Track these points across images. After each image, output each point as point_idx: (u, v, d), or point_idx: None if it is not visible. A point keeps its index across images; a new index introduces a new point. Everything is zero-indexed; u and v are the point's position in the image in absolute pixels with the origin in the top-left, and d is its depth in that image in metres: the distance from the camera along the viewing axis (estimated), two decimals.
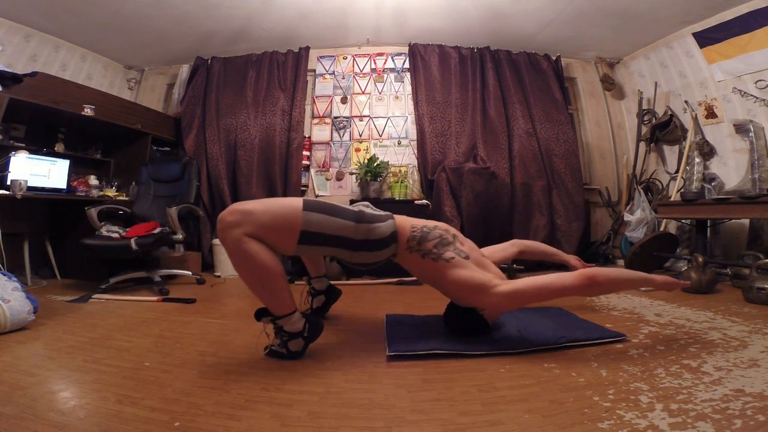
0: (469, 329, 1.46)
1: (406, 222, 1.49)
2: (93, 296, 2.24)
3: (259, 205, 1.23)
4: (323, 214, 1.28)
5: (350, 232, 1.32)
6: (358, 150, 3.85)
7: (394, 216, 1.49)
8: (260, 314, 1.30)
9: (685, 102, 3.48)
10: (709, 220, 2.87)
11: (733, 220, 2.87)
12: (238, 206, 1.21)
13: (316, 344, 1.47)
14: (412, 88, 3.82)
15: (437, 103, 3.73)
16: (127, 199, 3.21)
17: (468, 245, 1.54)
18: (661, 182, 3.72)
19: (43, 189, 2.75)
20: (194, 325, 1.74)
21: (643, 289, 2.40)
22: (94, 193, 3.10)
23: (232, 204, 1.24)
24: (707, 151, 3.25)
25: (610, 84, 4.02)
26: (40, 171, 2.78)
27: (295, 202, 1.27)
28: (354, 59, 4.00)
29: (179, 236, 2.53)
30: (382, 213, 1.47)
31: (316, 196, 3.80)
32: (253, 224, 1.18)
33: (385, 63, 3.99)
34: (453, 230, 1.54)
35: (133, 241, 2.31)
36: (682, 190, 3.08)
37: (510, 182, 3.51)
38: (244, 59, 3.91)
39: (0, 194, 2.32)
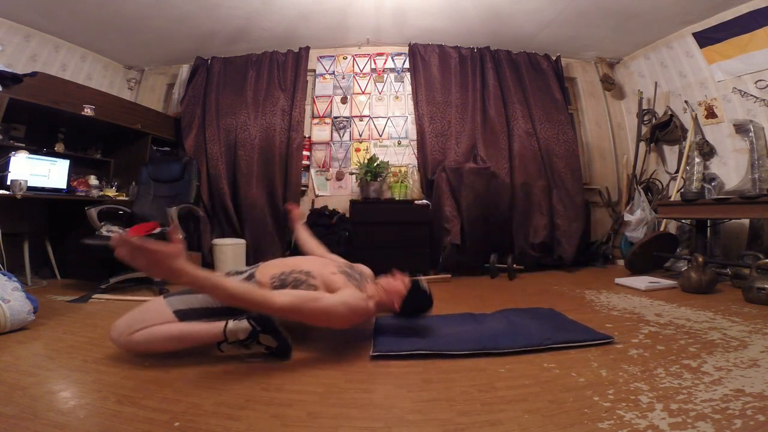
0: (417, 308, 1.55)
1: (266, 274, 1.48)
2: (93, 296, 2.24)
3: (123, 319, 1.33)
4: (185, 294, 1.37)
5: (214, 302, 1.34)
6: (358, 150, 3.85)
7: (258, 268, 1.52)
8: (218, 345, 1.30)
9: (685, 102, 3.48)
10: (709, 220, 2.87)
11: (733, 220, 2.87)
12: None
13: (316, 344, 1.47)
14: (412, 88, 3.82)
15: (437, 103, 3.73)
16: (127, 199, 3.21)
17: (325, 270, 1.50)
18: (661, 182, 3.72)
19: (43, 189, 2.74)
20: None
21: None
22: (94, 193, 3.10)
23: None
24: (707, 151, 3.25)
25: (610, 84, 4.02)
26: (40, 171, 2.78)
27: (157, 301, 1.37)
28: (354, 59, 4.00)
29: (179, 236, 2.53)
30: (246, 270, 1.53)
31: (316, 196, 3.80)
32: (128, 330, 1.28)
33: (385, 63, 3.99)
34: (306, 265, 1.50)
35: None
36: (682, 190, 3.08)
37: (510, 182, 3.51)
38: (244, 59, 3.91)
39: (0, 194, 2.32)
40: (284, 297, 1.24)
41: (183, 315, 1.32)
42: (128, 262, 1.01)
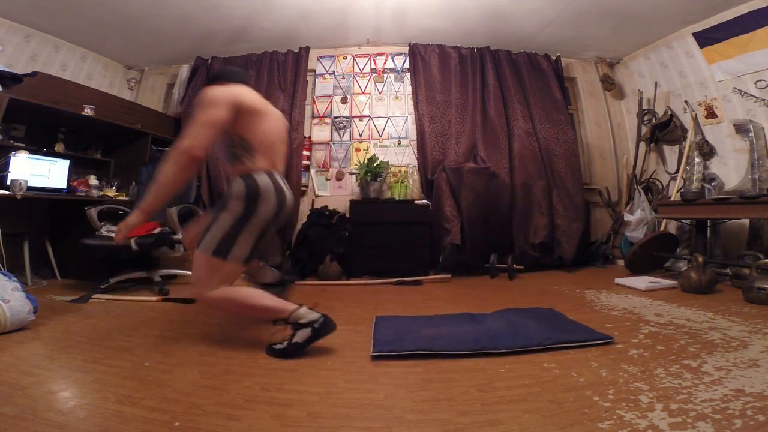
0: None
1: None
2: (93, 296, 2.24)
3: (193, 272, 1.44)
4: (209, 232, 1.42)
5: (234, 208, 1.40)
6: (358, 150, 3.85)
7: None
8: (275, 321, 1.40)
9: (685, 102, 3.48)
10: (709, 220, 2.87)
11: (733, 220, 2.87)
12: (192, 283, 1.44)
13: (316, 344, 1.47)
14: (412, 88, 3.82)
15: (437, 103, 3.73)
16: (127, 199, 3.20)
17: None
18: (661, 182, 3.72)
19: (43, 189, 2.74)
20: (194, 325, 1.74)
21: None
22: (94, 193, 3.10)
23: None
24: (707, 151, 3.25)
25: (610, 84, 4.02)
26: (40, 171, 2.78)
27: (196, 255, 1.44)
28: (354, 59, 4.00)
29: (179, 236, 2.53)
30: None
31: (316, 196, 3.80)
32: (203, 287, 1.40)
33: (385, 63, 3.99)
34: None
35: (133, 241, 2.31)
36: (682, 190, 3.08)
37: (510, 182, 3.51)
38: (244, 59, 3.91)
39: (0, 194, 2.32)
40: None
41: (222, 250, 1.37)
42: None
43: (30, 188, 2.53)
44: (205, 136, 1.31)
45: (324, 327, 1.37)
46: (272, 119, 1.55)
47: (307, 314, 1.38)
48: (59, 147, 3.09)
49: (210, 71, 1.46)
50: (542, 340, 1.40)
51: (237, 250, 1.38)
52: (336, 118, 3.91)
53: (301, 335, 1.36)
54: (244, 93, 1.45)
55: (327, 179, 3.85)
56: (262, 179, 1.42)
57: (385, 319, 1.76)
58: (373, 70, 3.97)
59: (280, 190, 1.46)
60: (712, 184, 3.12)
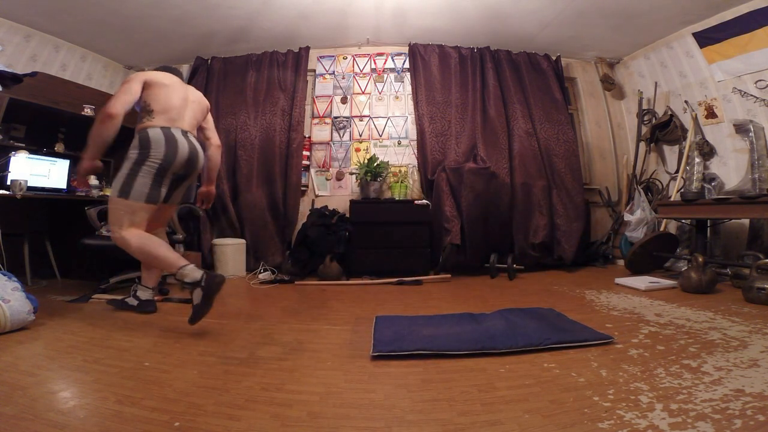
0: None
1: None
2: (93, 296, 2.24)
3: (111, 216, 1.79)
4: (117, 176, 1.78)
5: (130, 155, 1.78)
6: (358, 150, 3.85)
7: None
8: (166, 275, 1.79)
9: (685, 102, 3.48)
10: (709, 220, 2.87)
11: (733, 220, 2.87)
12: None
13: (316, 344, 1.47)
14: (412, 88, 3.82)
15: (437, 103, 3.73)
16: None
17: None
18: (661, 182, 3.72)
19: (43, 189, 2.74)
20: (194, 325, 1.74)
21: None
22: (94, 193, 3.09)
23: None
24: (707, 151, 3.26)
25: (610, 84, 4.02)
26: (40, 171, 2.78)
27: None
28: (354, 59, 4.00)
29: (179, 236, 2.53)
30: None
31: (316, 196, 3.80)
32: (114, 224, 1.74)
33: (385, 63, 3.99)
34: None
35: None
36: (682, 190, 3.08)
37: (510, 182, 3.51)
38: (244, 59, 3.91)
39: (0, 194, 2.32)
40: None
41: (124, 191, 1.69)
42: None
43: (30, 188, 2.53)
44: (120, 101, 1.69)
45: (212, 283, 1.55)
46: (178, 88, 1.88)
47: (191, 272, 1.57)
48: (59, 147, 3.08)
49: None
50: (542, 340, 1.40)
51: (136, 190, 1.68)
52: (336, 118, 3.91)
53: (196, 296, 1.54)
54: (155, 73, 1.85)
55: (327, 179, 3.85)
56: (154, 131, 1.73)
57: (385, 319, 1.75)
58: (373, 70, 3.97)
59: (172, 139, 1.75)
60: (712, 184, 3.12)
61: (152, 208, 1.75)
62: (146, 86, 1.78)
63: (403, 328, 1.59)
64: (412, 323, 1.67)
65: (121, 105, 1.68)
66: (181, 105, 1.86)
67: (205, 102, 2.04)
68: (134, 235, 1.68)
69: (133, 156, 1.71)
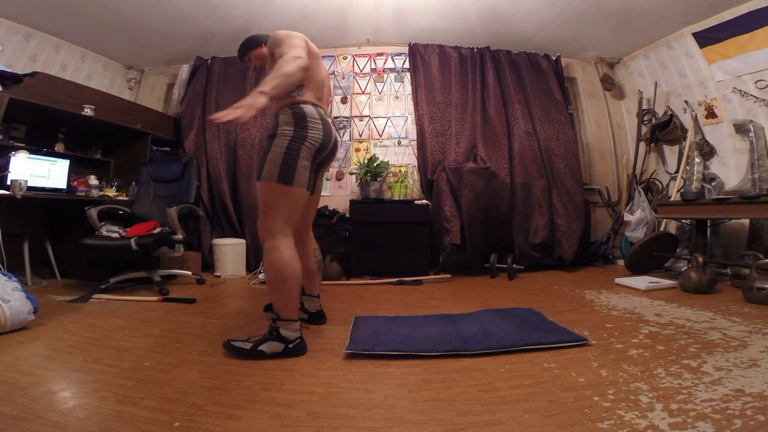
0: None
1: None
2: (93, 296, 2.24)
3: (259, 216, 1.42)
4: (266, 163, 1.40)
5: (287, 133, 1.41)
6: (358, 150, 3.85)
7: None
8: (268, 308, 1.42)
9: (685, 102, 3.48)
10: (709, 220, 2.87)
11: (733, 220, 2.87)
12: (258, 224, 1.42)
13: (316, 344, 1.48)
14: (412, 88, 3.82)
15: (437, 103, 3.73)
16: (127, 199, 3.20)
17: None
18: (661, 182, 3.72)
19: (43, 189, 2.74)
20: (194, 325, 1.74)
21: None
22: (94, 193, 3.10)
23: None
24: (707, 151, 3.25)
25: (610, 84, 4.02)
26: (40, 171, 2.78)
27: (259, 187, 1.43)
28: (354, 59, 4.00)
29: (179, 236, 2.53)
30: None
31: None
32: (271, 223, 1.37)
33: (385, 63, 3.99)
34: None
35: (133, 241, 2.31)
36: (682, 190, 3.08)
37: (510, 182, 3.51)
38: None
39: (0, 194, 2.32)
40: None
41: (285, 177, 1.36)
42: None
43: (30, 188, 2.53)
44: (301, 58, 1.35)
45: (296, 349, 1.37)
46: (322, 64, 1.62)
47: (294, 330, 1.38)
48: (59, 147, 3.09)
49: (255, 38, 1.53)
50: (515, 341, 1.40)
51: (300, 174, 1.37)
52: (336, 118, 3.91)
53: (271, 347, 1.34)
54: (308, 40, 1.53)
55: (327, 179, 3.84)
56: (308, 108, 1.44)
57: (364, 319, 1.78)
58: (373, 70, 3.97)
59: (326, 121, 1.49)
60: (712, 184, 3.12)
61: (307, 198, 1.48)
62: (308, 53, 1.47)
63: (381, 328, 1.60)
64: (391, 323, 1.68)
65: (303, 62, 1.36)
66: (326, 83, 1.63)
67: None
68: (283, 256, 1.34)
69: (288, 133, 1.38)
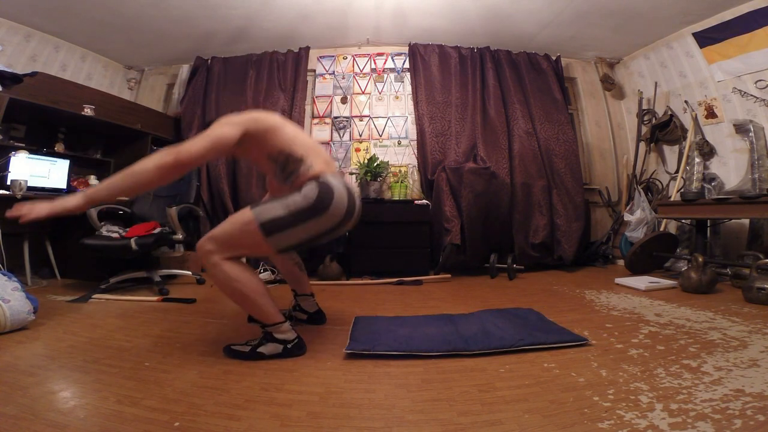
0: None
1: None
2: (93, 296, 2.24)
3: (218, 227, 1.32)
4: (269, 203, 1.32)
5: (300, 202, 1.29)
6: (358, 150, 3.85)
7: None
8: (251, 319, 1.37)
9: (685, 102, 3.48)
10: (709, 220, 2.87)
11: (733, 220, 2.87)
12: (208, 235, 1.30)
13: (316, 344, 1.47)
14: (412, 88, 3.82)
15: (437, 103, 3.73)
16: (127, 199, 3.20)
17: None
18: (661, 182, 3.72)
19: (43, 189, 2.74)
20: (194, 325, 1.74)
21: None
22: None
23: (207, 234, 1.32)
24: (707, 151, 3.26)
25: (610, 84, 4.02)
26: (40, 171, 2.78)
27: (243, 211, 1.32)
28: (354, 59, 4.00)
29: (179, 236, 2.53)
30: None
31: None
32: (221, 246, 1.28)
33: (385, 63, 3.99)
34: None
35: (133, 241, 2.31)
36: (682, 190, 3.08)
37: (510, 182, 3.51)
38: (244, 59, 3.91)
39: (0, 194, 2.32)
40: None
41: (268, 228, 1.26)
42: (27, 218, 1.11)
43: (30, 188, 2.53)
44: (203, 148, 1.20)
45: (295, 349, 1.36)
46: (295, 127, 1.48)
47: (286, 331, 1.36)
48: (59, 147, 3.09)
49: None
50: (515, 342, 1.40)
51: (282, 237, 1.28)
52: (336, 118, 3.91)
53: (270, 349, 1.34)
54: (261, 114, 1.39)
55: None
56: (335, 181, 1.33)
57: (364, 319, 1.77)
58: (373, 70, 3.97)
59: (351, 194, 1.37)
60: (712, 184, 3.12)
61: (269, 253, 1.37)
62: (265, 131, 1.34)
63: (381, 328, 1.60)
64: (391, 323, 1.68)
65: (201, 156, 1.21)
66: (314, 141, 1.50)
67: None
68: (234, 270, 1.28)
69: (306, 202, 1.27)
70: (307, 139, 1.45)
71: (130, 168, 1.21)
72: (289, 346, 1.35)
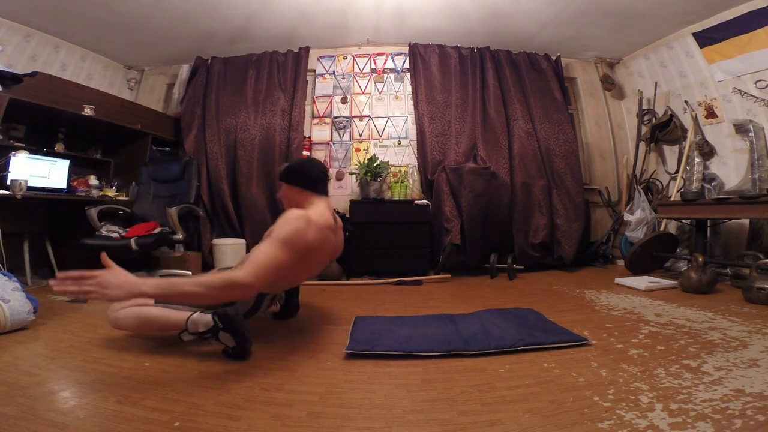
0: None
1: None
2: None
3: None
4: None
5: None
6: (358, 150, 3.85)
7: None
8: (179, 334, 1.37)
9: (685, 102, 3.48)
10: (709, 220, 2.87)
11: (733, 220, 2.87)
12: None
13: (316, 344, 1.47)
14: (412, 88, 3.82)
15: (437, 103, 3.73)
16: (127, 199, 3.21)
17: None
18: (661, 182, 3.72)
19: (43, 189, 2.74)
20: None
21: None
22: (94, 193, 3.10)
23: None
24: (707, 151, 3.25)
25: (610, 84, 4.02)
26: (40, 171, 2.78)
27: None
28: (354, 59, 4.00)
29: (179, 236, 2.53)
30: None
31: None
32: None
33: (385, 63, 3.99)
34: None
35: (133, 241, 2.31)
36: (682, 190, 3.08)
37: (510, 182, 3.51)
38: (244, 59, 3.91)
39: (0, 194, 2.32)
40: (240, 271, 1.16)
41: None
42: (78, 296, 1.08)
43: (30, 188, 2.53)
44: (268, 274, 1.21)
45: (232, 322, 1.30)
46: (325, 249, 1.52)
47: (201, 320, 1.32)
48: (59, 147, 3.09)
49: (290, 168, 1.37)
50: (516, 342, 1.40)
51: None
52: (336, 118, 3.91)
53: (225, 339, 1.31)
54: (314, 229, 1.38)
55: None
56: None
57: (364, 319, 1.77)
58: (373, 70, 3.97)
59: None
60: (712, 184, 3.12)
61: None
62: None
63: (381, 328, 1.60)
64: (391, 323, 1.68)
65: (268, 280, 1.22)
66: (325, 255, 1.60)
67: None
68: (130, 312, 1.38)
69: None
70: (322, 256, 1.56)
71: (196, 284, 1.13)
72: (221, 326, 1.31)
